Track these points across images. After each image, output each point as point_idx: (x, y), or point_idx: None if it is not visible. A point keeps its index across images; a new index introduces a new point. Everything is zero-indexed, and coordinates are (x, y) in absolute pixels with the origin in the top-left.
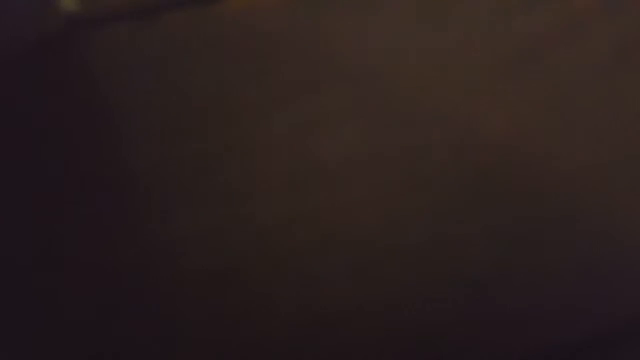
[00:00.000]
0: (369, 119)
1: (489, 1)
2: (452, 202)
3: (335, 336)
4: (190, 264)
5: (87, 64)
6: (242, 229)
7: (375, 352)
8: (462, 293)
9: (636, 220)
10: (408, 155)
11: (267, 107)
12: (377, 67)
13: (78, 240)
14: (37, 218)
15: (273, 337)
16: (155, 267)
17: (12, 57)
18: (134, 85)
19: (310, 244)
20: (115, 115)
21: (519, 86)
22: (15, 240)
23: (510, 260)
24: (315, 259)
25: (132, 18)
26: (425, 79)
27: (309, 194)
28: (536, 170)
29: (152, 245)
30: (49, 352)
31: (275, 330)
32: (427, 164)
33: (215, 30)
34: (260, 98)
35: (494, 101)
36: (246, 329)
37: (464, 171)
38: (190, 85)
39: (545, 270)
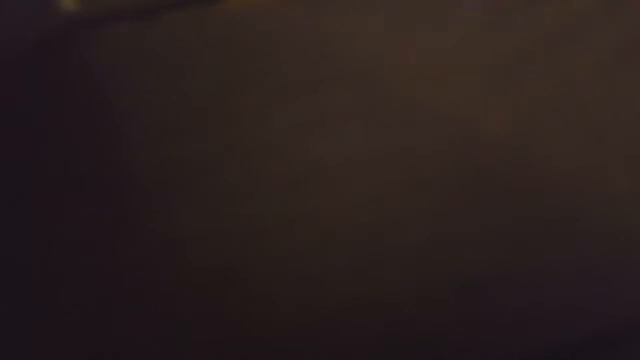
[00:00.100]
0: (369, 119)
1: (489, 1)
2: (452, 202)
3: (335, 336)
4: (190, 264)
5: (87, 64)
6: (242, 229)
7: (375, 352)
8: (462, 293)
9: (636, 220)
10: (408, 155)
11: (267, 107)
12: (377, 67)
13: (78, 240)
14: (37, 218)
15: (273, 337)
16: (155, 267)
17: (12, 57)
18: (134, 85)
19: (310, 244)
20: (115, 115)
21: (519, 86)
22: (15, 240)
23: (510, 260)
24: (315, 259)
25: (132, 18)
26: (425, 79)
27: (309, 194)
28: (536, 170)
29: (152, 245)
30: (49, 352)
31: (275, 330)
32: (427, 164)
33: (215, 30)
34: (260, 98)
35: (494, 101)
36: (246, 329)
37: (464, 171)
38: (190, 85)
39: (545, 270)
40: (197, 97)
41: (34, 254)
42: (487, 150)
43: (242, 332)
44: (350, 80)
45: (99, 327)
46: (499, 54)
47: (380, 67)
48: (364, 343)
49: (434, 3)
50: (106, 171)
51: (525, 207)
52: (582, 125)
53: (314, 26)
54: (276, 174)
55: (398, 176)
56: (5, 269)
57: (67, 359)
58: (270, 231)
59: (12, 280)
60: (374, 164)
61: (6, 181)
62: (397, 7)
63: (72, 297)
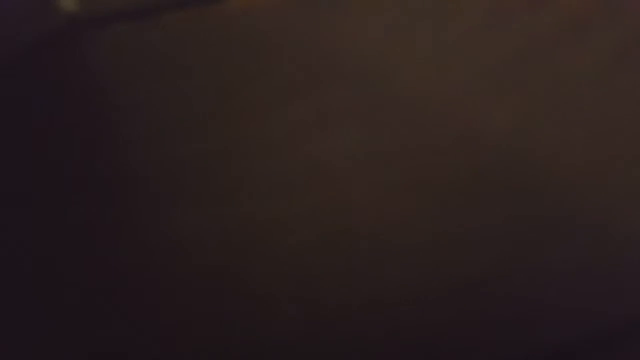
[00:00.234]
0: (369, 119)
1: (489, 1)
2: (452, 202)
3: (335, 336)
4: (190, 264)
5: (87, 64)
6: (242, 229)
7: (375, 352)
8: (462, 293)
9: (636, 220)
10: (408, 155)
11: (267, 107)
12: (377, 67)
13: (78, 240)
14: (37, 218)
15: (273, 336)
16: (155, 267)
17: (12, 57)
18: (134, 85)
19: (310, 244)
20: (116, 115)
21: (519, 86)
22: (15, 240)
23: (510, 260)
24: (315, 258)
25: (132, 18)
26: (425, 79)
27: (309, 194)
28: (536, 169)
29: (152, 245)
30: (49, 352)
31: (275, 330)
32: (427, 164)
33: (215, 30)
34: (260, 98)
35: (494, 101)
36: (246, 329)
37: (464, 171)
38: (191, 85)
39: (545, 270)
40: (197, 97)
41: (34, 254)
42: (487, 150)
43: (242, 331)
44: (350, 80)
45: (99, 327)
46: (499, 54)
47: (380, 67)
48: (364, 343)
49: (434, 3)
50: (106, 171)
51: (525, 206)
52: (582, 125)
53: (314, 26)
54: (276, 174)
55: (398, 176)
56: (5, 269)
57: (67, 359)
58: (270, 231)
59: (12, 280)
60: (374, 164)
61: (6, 181)
62: (397, 7)
63: (71, 297)
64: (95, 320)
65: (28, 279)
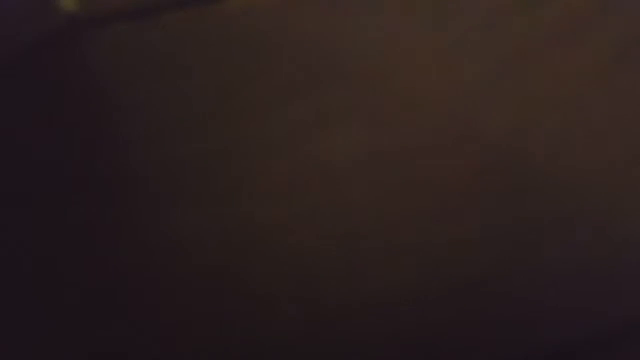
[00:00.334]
0: (369, 119)
1: (489, 1)
2: (452, 202)
3: (335, 336)
4: (190, 264)
5: (87, 64)
6: (242, 229)
7: (375, 352)
8: (462, 293)
9: (636, 220)
10: (408, 155)
11: (267, 107)
12: (377, 67)
13: (78, 240)
14: (36, 218)
15: (273, 336)
16: (155, 267)
17: (12, 57)
18: (134, 85)
19: (311, 244)
20: (115, 115)
21: (519, 86)
22: (15, 240)
23: (510, 260)
24: (315, 258)
25: (132, 18)
26: (425, 79)
27: (309, 194)
28: (536, 170)
29: (152, 245)
30: (49, 352)
31: (275, 330)
32: (427, 164)
33: (215, 30)
34: (260, 98)
35: (494, 101)
36: (246, 329)
37: (464, 171)
38: (191, 85)
39: (545, 270)
40: (197, 97)
41: (34, 253)
42: (487, 150)
43: (242, 331)
44: (350, 80)
45: (99, 327)
46: (499, 54)
47: (380, 67)
48: (364, 343)
49: (434, 3)
50: (106, 171)
51: (525, 206)
52: (582, 125)
53: (314, 26)
54: (276, 174)
55: (398, 176)
56: (5, 269)
57: (67, 359)
58: (270, 231)
59: (12, 280)
60: (374, 164)
61: (6, 181)
62: (397, 6)
63: (71, 297)
64: (95, 320)
65: (28, 279)
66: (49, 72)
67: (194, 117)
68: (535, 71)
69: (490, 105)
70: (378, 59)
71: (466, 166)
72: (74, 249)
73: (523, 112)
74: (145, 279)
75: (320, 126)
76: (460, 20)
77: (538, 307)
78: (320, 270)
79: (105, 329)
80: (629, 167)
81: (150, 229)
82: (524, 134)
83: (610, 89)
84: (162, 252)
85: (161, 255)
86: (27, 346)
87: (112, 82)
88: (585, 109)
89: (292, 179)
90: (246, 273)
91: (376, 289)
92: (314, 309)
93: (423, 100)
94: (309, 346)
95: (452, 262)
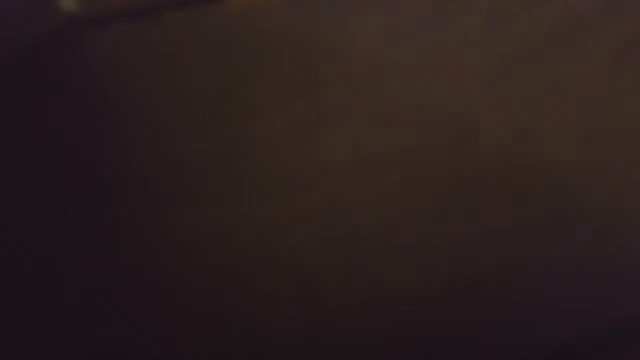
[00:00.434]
0: (369, 119)
1: (489, 1)
2: (452, 202)
3: (335, 336)
4: (190, 264)
5: (87, 64)
6: (242, 229)
7: (375, 352)
8: (462, 293)
9: (636, 220)
10: (408, 155)
11: (267, 107)
12: (377, 67)
13: (78, 240)
14: (37, 218)
15: (273, 336)
16: (155, 267)
17: (12, 57)
18: (134, 85)
19: (311, 244)
20: (115, 115)
21: (519, 86)
22: (15, 240)
23: (511, 260)
24: (315, 258)
25: (132, 18)
26: (425, 79)
27: (309, 194)
28: (536, 170)
29: (152, 245)
30: (49, 352)
31: (275, 330)
32: (427, 164)
33: (215, 30)
34: (260, 98)
35: (494, 101)
36: (246, 329)
37: (464, 171)
38: (191, 85)
39: (545, 270)
40: (197, 97)
41: (34, 253)
42: (487, 150)
43: (242, 331)
44: (350, 80)
45: (99, 327)
46: (499, 54)
47: (380, 67)
48: (364, 343)
49: (434, 3)
50: (106, 171)
51: (525, 207)
52: (582, 125)
53: (314, 26)
54: (276, 174)
55: (398, 176)
56: (5, 269)
57: (67, 359)
58: (270, 231)
59: (12, 280)
60: (374, 164)
61: (6, 181)
62: (398, 6)
63: (71, 297)
64: (95, 320)
65: (28, 279)
66: (49, 72)
67: (194, 117)
68: (535, 71)
69: (490, 105)
70: (378, 59)
71: (466, 166)
72: (74, 249)
73: (523, 112)
74: (145, 279)
75: (320, 126)
76: (460, 20)
77: (538, 307)
78: (320, 270)
79: (105, 329)
80: (629, 167)
81: (150, 229)
82: (524, 134)
83: (610, 89)
84: (162, 252)
85: (161, 255)
86: (27, 346)
87: (112, 82)
88: (585, 109)
89: (292, 179)
90: (246, 273)
91: (376, 289)
92: (314, 309)
93: (423, 100)
94: (309, 346)
95: (452, 262)
